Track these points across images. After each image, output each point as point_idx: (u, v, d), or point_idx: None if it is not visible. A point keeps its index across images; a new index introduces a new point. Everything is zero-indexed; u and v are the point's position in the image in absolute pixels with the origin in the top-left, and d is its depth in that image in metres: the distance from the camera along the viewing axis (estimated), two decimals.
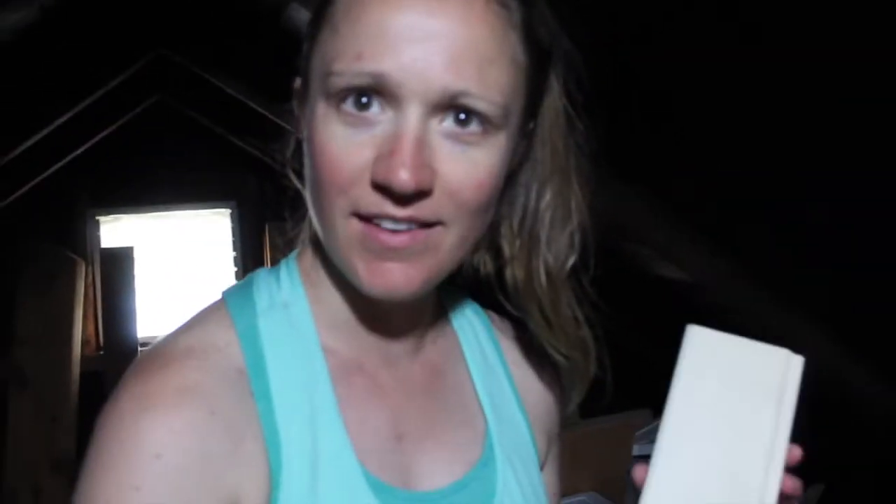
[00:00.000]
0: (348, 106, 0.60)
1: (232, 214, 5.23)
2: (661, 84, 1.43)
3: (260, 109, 3.44)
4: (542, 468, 0.81)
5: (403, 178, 0.58)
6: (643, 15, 1.31)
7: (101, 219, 5.03)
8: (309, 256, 0.73)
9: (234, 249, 5.28)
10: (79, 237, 4.92)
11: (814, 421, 2.21)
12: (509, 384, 0.80)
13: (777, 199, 1.60)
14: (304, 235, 0.74)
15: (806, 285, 1.78)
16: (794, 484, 0.62)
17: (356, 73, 0.59)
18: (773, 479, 0.60)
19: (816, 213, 1.51)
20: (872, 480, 2.12)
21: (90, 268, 4.75)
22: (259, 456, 0.62)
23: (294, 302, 0.71)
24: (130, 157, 4.76)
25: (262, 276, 0.73)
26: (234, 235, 5.24)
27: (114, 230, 5.06)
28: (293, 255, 0.75)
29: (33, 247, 4.15)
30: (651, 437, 2.27)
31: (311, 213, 0.66)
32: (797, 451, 0.63)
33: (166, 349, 0.64)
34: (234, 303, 0.69)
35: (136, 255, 4.55)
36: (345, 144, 0.60)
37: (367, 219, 0.61)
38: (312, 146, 0.63)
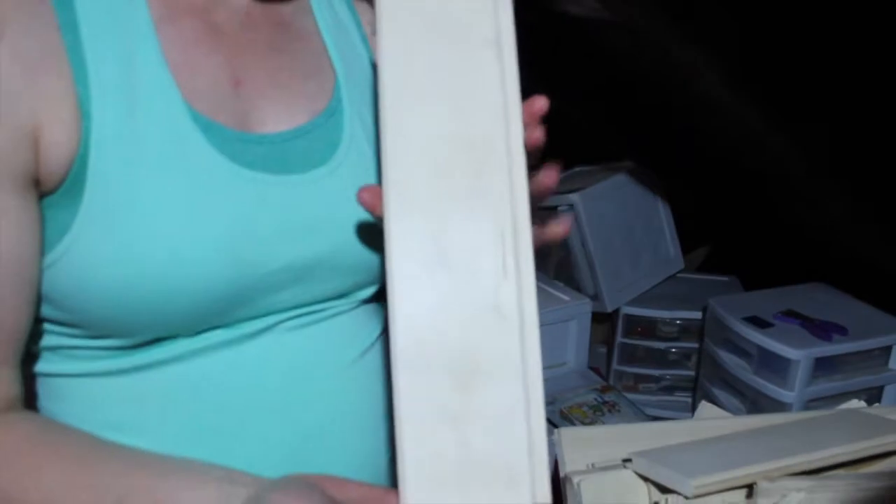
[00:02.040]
0: None
1: None
2: None
3: None
4: None
5: None
6: None
7: None
8: None
9: None
10: None
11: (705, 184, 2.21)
12: (362, 43, 0.78)
13: None
14: None
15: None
16: (538, 135, 0.57)
17: None
18: (514, 124, 0.54)
19: None
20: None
21: None
22: (63, 89, 0.60)
23: None
24: None
25: None
26: None
27: None
28: None
29: None
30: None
31: None
32: (541, 102, 0.58)
33: None
34: None
35: None
36: None
37: None
38: None
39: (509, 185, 0.52)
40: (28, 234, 0.60)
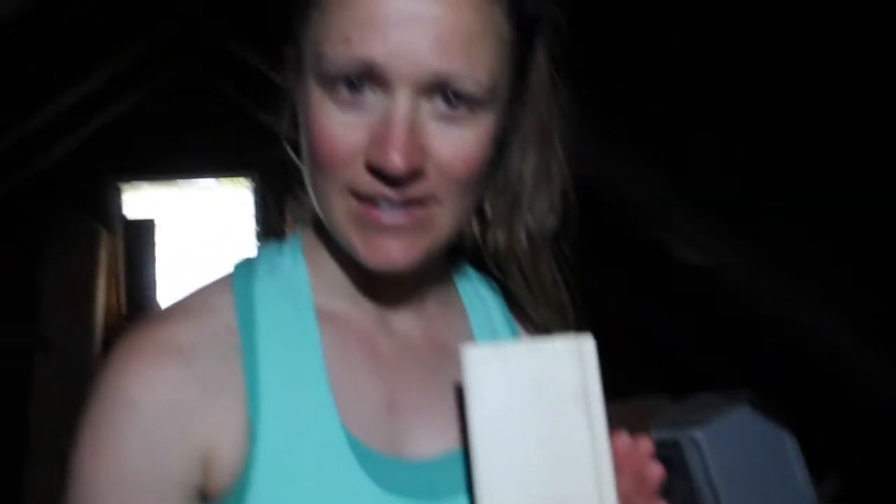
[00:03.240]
0: (341, 89, 0.61)
1: (254, 186, 5.25)
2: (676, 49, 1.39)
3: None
4: None
5: (396, 161, 0.60)
6: None
7: (124, 186, 5.07)
8: (312, 230, 0.75)
9: (255, 220, 5.30)
10: (101, 206, 4.96)
11: (831, 411, 2.16)
12: None
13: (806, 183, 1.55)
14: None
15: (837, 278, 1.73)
16: (657, 472, 0.60)
17: (345, 58, 0.60)
18: (606, 482, 0.55)
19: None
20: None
21: (112, 236, 4.81)
22: (236, 410, 0.64)
23: (293, 268, 0.73)
24: (153, 126, 4.79)
25: (268, 246, 0.76)
26: (254, 206, 5.26)
27: (136, 198, 5.11)
28: (300, 230, 0.77)
29: (57, 214, 4.21)
30: (669, 422, 2.26)
31: (309, 188, 0.68)
32: (623, 439, 0.61)
33: (165, 309, 0.69)
34: (237, 269, 0.72)
35: (158, 224, 4.62)
36: (339, 126, 0.62)
37: (363, 197, 0.63)
38: (308, 125, 0.64)
39: None
40: None
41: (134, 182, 5.09)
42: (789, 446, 2.19)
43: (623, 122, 1.48)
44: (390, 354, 0.73)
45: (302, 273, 0.72)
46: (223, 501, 0.64)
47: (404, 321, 0.74)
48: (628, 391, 2.52)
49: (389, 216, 0.63)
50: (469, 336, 0.79)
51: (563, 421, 0.57)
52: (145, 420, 0.62)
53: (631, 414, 2.45)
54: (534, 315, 0.77)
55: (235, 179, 5.26)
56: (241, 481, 0.63)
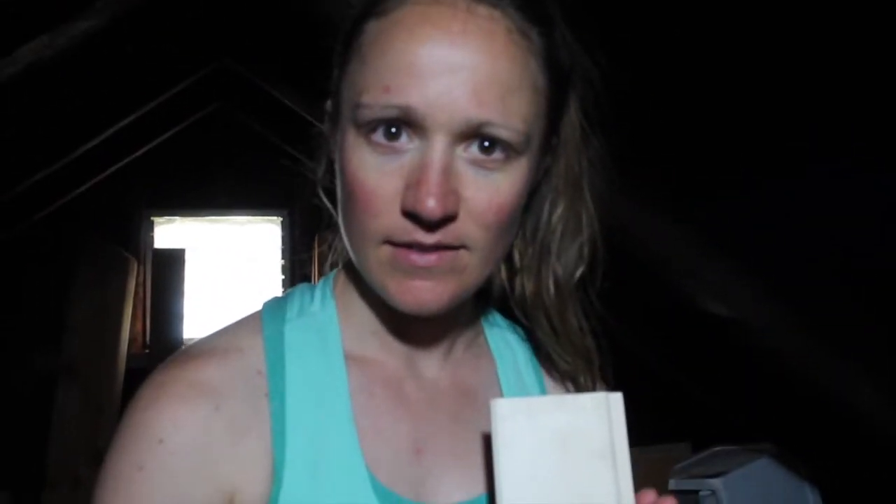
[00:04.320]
0: (378, 136, 0.63)
1: (283, 223, 5.30)
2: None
3: (316, 122, 3.49)
4: None
5: (431, 206, 0.61)
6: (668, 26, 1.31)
7: (156, 220, 5.16)
8: (343, 273, 0.76)
9: (283, 258, 5.35)
10: (133, 237, 5.03)
11: (855, 466, 2.13)
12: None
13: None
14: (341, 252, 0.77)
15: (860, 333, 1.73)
16: None
17: (384, 105, 0.62)
18: None
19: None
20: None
21: (142, 267, 4.87)
22: (262, 452, 0.65)
23: (323, 312, 0.74)
24: (189, 161, 4.88)
25: (299, 289, 0.77)
26: (283, 244, 5.31)
27: (168, 232, 5.18)
28: (332, 273, 0.78)
29: (88, 243, 4.27)
30: (689, 472, 2.24)
31: (343, 234, 0.69)
32: (649, 497, 0.62)
33: (195, 347, 0.70)
34: (267, 311, 0.73)
35: (188, 257, 4.65)
36: (376, 173, 0.63)
37: (397, 244, 0.64)
38: (344, 172, 0.66)
39: None
40: None
41: (167, 215, 5.17)
42: (811, 500, 2.16)
43: (654, 174, 1.51)
44: (417, 400, 0.74)
45: (332, 316, 0.73)
46: None
47: (432, 366, 0.75)
48: (650, 440, 2.51)
49: (422, 258, 0.64)
50: (496, 382, 0.79)
51: (590, 475, 0.58)
52: (171, 459, 0.62)
53: (654, 459, 2.44)
54: (560, 363, 0.78)
55: (267, 217, 5.32)
56: None
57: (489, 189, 0.64)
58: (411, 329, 0.73)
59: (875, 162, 1.28)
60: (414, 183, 0.62)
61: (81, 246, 4.23)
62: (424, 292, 0.65)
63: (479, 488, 0.72)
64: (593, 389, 0.77)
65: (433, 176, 0.61)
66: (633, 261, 1.79)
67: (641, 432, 0.80)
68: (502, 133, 0.62)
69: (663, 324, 2.03)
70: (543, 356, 0.81)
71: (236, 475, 0.64)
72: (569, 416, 0.59)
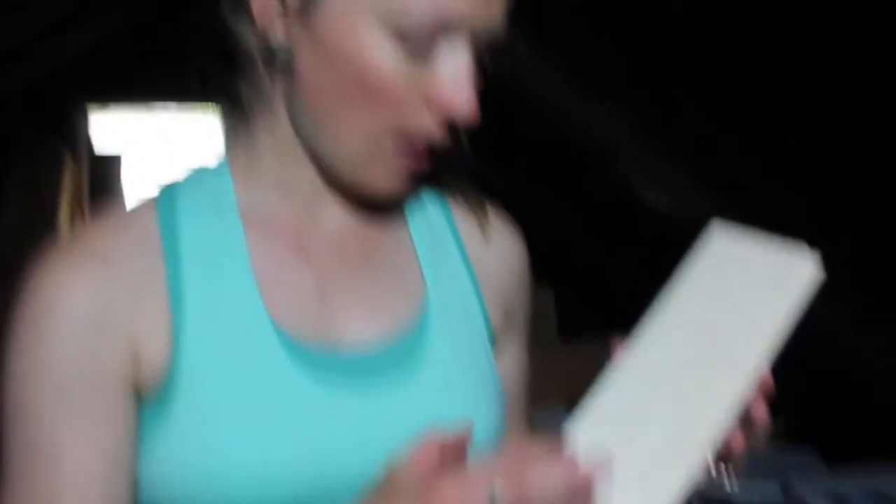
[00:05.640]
0: (410, 38, 0.63)
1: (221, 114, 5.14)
2: None
3: None
4: (495, 346, 0.81)
5: (469, 108, 0.66)
6: None
7: (92, 107, 4.95)
8: (240, 152, 0.75)
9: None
10: (67, 130, 4.85)
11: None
12: (460, 255, 0.81)
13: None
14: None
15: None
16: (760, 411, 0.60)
17: (426, 12, 0.62)
18: (735, 392, 0.55)
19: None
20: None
21: (78, 166, 4.72)
22: (160, 311, 0.67)
23: (217, 177, 0.75)
24: (126, 51, 4.66)
25: (196, 167, 0.78)
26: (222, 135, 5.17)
27: (104, 122, 4.99)
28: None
29: (20, 134, 4.11)
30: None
31: (311, 117, 0.68)
32: (768, 381, 0.61)
33: (91, 222, 0.73)
34: (162, 188, 0.75)
35: (125, 154, 4.58)
36: (401, 71, 0.65)
37: (403, 138, 0.67)
38: (353, 62, 0.64)
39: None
40: (131, 436, 0.66)
41: (103, 106, 4.97)
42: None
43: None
44: (320, 245, 0.74)
45: (225, 174, 0.74)
46: (152, 398, 0.66)
47: (334, 212, 0.75)
48: (584, 329, 2.56)
49: (423, 158, 0.69)
50: (403, 227, 0.80)
51: (745, 320, 0.57)
52: (71, 320, 0.65)
53: (595, 347, 2.49)
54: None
55: (204, 106, 5.15)
56: (168, 377, 0.65)
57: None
58: (317, 185, 0.74)
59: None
60: (450, 84, 0.65)
61: (11, 137, 4.06)
62: (404, 184, 0.70)
63: (386, 334, 0.72)
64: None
65: (468, 79, 0.66)
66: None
67: (578, 324, 0.80)
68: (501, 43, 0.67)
69: (599, 210, 2.03)
70: (459, 215, 0.83)
71: (136, 332, 0.67)
72: (766, 260, 0.59)
